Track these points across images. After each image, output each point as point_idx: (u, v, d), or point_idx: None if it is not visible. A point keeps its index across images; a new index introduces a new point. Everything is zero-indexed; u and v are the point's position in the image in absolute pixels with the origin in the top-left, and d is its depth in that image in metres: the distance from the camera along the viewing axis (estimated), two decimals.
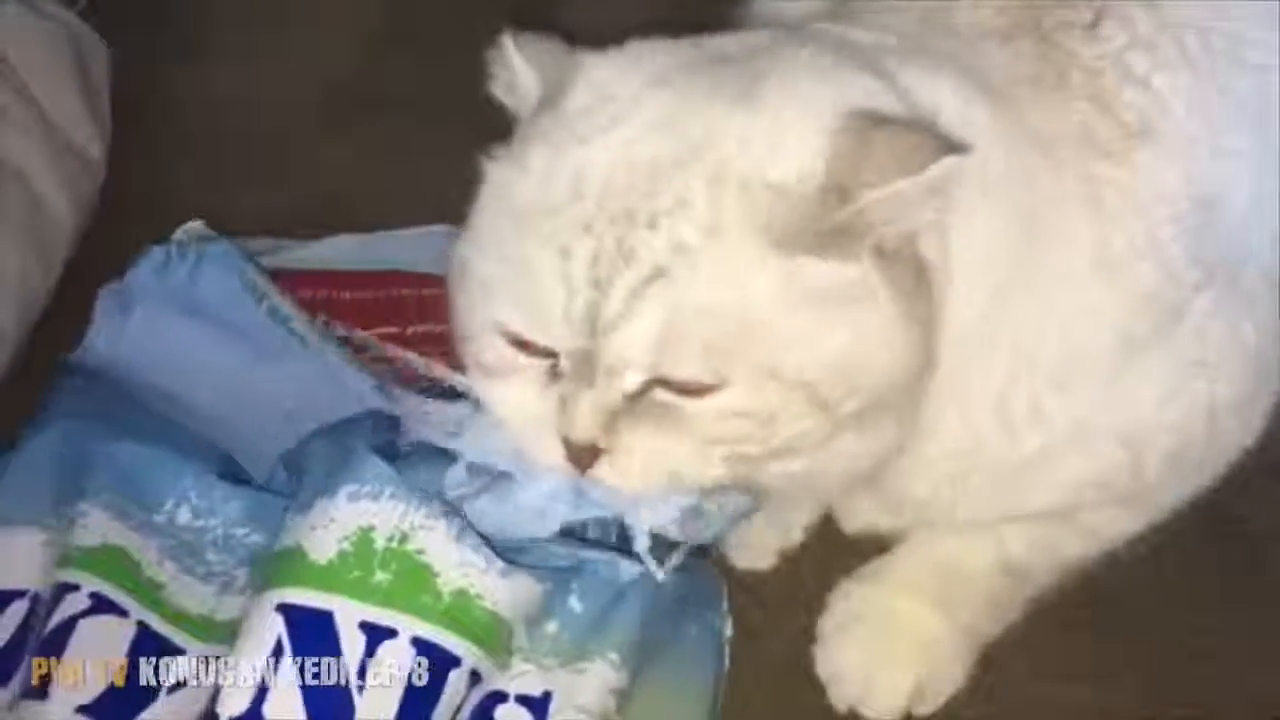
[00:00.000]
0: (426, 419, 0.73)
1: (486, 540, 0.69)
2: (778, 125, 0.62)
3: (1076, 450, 0.72)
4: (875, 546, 0.85)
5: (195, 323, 0.88)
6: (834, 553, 0.88)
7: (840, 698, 0.83)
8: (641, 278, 0.60)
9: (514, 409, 0.66)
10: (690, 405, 0.62)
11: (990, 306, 0.66)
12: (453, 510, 0.70)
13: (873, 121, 0.62)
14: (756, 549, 0.90)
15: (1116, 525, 0.80)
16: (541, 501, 0.69)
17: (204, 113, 1.24)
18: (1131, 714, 0.83)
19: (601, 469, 0.64)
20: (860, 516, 0.82)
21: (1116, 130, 0.69)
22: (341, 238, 1.09)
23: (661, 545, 0.72)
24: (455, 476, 0.71)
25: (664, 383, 0.62)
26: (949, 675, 0.83)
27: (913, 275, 0.63)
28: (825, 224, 0.60)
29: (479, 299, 0.65)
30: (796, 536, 0.91)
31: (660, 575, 0.71)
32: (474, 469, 0.71)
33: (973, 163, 0.62)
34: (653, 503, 0.68)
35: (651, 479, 0.65)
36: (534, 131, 0.65)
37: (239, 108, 1.23)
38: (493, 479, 0.70)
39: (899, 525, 0.81)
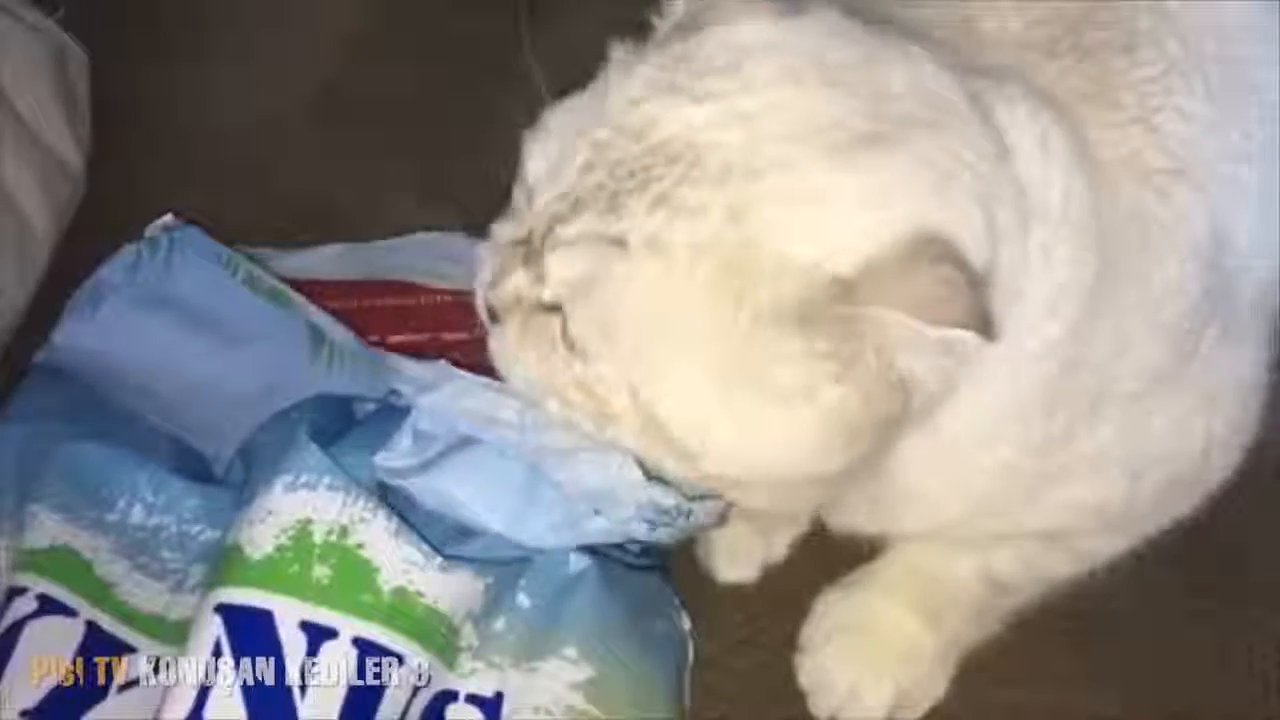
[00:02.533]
0: (399, 372, 0.74)
1: (423, 535, 0.68)
2: (847, 208, 0.58)
3: (1084, 476, 0.70)
4: (860, 555, 0.84)
5: (165, 315, 0.86)
6: (819, 561, 0.87)
7: (822, 706, 0.82)
8: (602, 232, 0.59)
9: (493, 237, 0.67)
10: (561, 350, 0.63)
11: (1070, 338, 0.64)
12: (389, 505, 0.68)
13: (936, 255, 0.56)
14: (741, 561, 0.89)
15: (1101, 547, 0.79)
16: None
17: (187, 116, 1.24)
18: (1115, 719, 0.82)
19: (493, 336, 0.67)
20: (847, 516, 0.78)
21: (1165, 161, 0.67)
22: (324, 247, 1.08)
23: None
24: (400, 445, 0.70)
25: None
26: (931, 683, 0.82)
27: (887, 407, 0.59)
28: (811, 307, 0.57)
29: (532, 138, 0.65)
30: (781, 551, 0.90)
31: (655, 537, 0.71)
32: (421, 436, 0.70)
33: (1056, 200, 0.62)
34: (614, 504, 0.68)
35: (511, 375, 0.67)
36: (653, 59, 0.63)
37: (223, 111, 1.23)
38: (439, 453, 0.70)
39: (888, 531, 0.79)
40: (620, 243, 0.59)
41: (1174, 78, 0.69)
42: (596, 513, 0.70)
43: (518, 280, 0.64)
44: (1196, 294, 0.68)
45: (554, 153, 0.63)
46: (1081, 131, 0.66)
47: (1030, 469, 0.68)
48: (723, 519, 0.77)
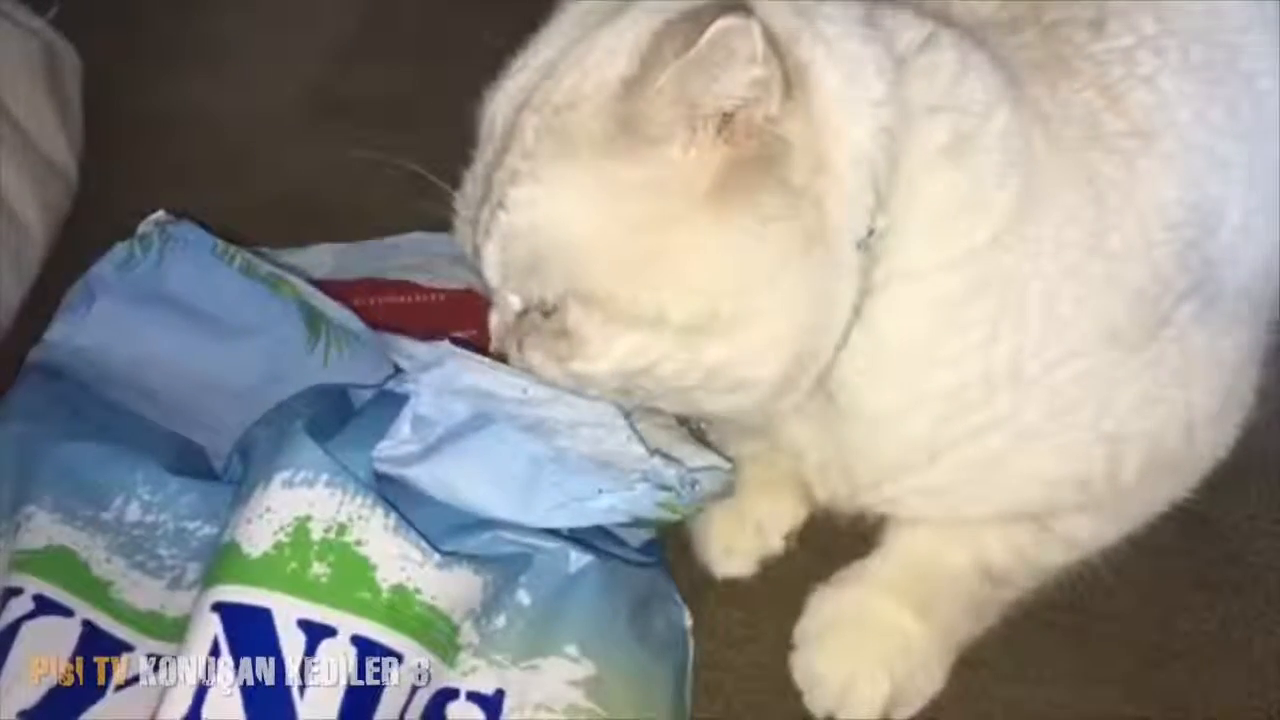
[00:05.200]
0: (401, 351, 0.75)
1: (422, 533, 0.68)
2: (609, 43, 0.65)
3: (1052, 439, 0.71)
4: (858, 552, 0.84)
5: (160, 310, 0.86)
6: (818, 558, 0.86)
7: (817, 704, 0.81)
8: (490, 210, 0.67)
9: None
10: (552, 331, 0.68)
11: (988, 248, 0.67)
12: (387, 502, 0.68)
13: (685, 15, 0.63)
14: (737, 557, 0.89)
15: (1093, 534, 0.79)
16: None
17: (182, 115, 1.24)
18: (1112, 714, 0.81)
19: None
20: (829, 485, 0.80)
21: (1124, 125, 0.69)
22: (322, 247, 1.09)
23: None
24: (400, 433, 0.70)
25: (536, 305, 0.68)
26: (927, 678, 0.81)
27: (776, 194, 0.64)
28: (622, 116, 0.63)
29: None
30: (777, 545, 0.89)
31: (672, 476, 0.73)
32: (420, 422, 0.70)
33: (977, 104, 0.66)
34: (618, 476, 0.70)
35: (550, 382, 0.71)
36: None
37: (220, 111, 1.23)
38: (439, 438, 0.70)
39: (866, 497, 0.79)
40: (500, 204, 0.66)
41: (1143, 52, 0.71)
42: (601, 492, 0.70)
43: (495, 322, 0.72)
44: (1164, 262, 0.69)
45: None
46: (1025, 89, 0.69)
47: (979, 401, 0.70)
48: (728, 489, 0.78)
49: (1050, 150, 0.68)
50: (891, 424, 0.72)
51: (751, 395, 0.68)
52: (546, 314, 0.68)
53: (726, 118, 0.63)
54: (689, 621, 0.80)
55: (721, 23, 0.60)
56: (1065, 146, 0.68)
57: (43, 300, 1.02)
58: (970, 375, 0.69)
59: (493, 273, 0.69)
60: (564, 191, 0.65)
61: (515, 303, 0.70)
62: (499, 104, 0.69)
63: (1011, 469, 0.73)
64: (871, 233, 0.66)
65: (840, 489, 0.78)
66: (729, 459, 0.80)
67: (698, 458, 0.77)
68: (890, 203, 0.66)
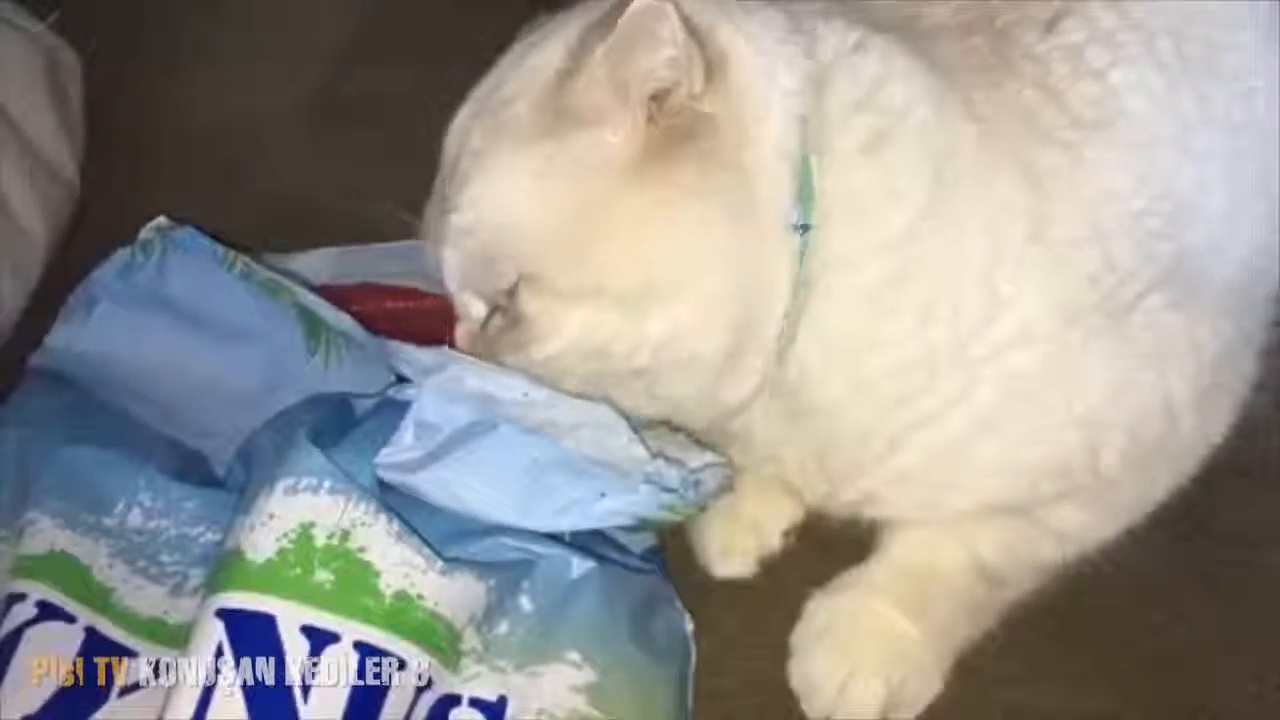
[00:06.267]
0: (402, 358, 0.76)
1: (425, 539, 0.68)
2: (551, 45, 0.70)
3: (1018, 424, 0.72)
4: (858, 557, 0.84)
5: (161, 316, 0.86)
6: (818, 563, 0.86)
7: (814, 709, 0.81)
8: (444, 215, 0.71)
9: None
10: (505, 315, 0.72)
11: (907, 237, 0.70)
12: (390, 508, 0.68)
13: (611, 10, 0.67)
14: (736, 557, 0.89)
15: (1084, 527, 0.79)
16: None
17: (183, 118, 1.24)
18: (1112, 717, 0.81)
19: None
20: (811, 485, 0.81)
21: (1064, 119, 0.70)
22: (321, 251, 1.08)
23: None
24: (403, 439, 0.71)
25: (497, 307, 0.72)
26: (925, 682, 0.81)
27: (693, 165, 0.67)
28: (557, 103, 0.67)
29: None
30: (775, 543, 0.90)
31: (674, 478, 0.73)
32: (423, 428, 0.71)
33: (898, 100, 0.69)
34: (620, 478, 0.71)
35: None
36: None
37: (221, 114, 1.23)
38: (441, 444, 0.71)
39: (852, 499, 0.79)
40: (453, 207, 0.70)
41: (1095, 47, 0.72)
42: (604, 495, 0.71)
43: (462, 330, 0.75)
44: (1122, 252, 0.70)
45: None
46: (960, 90, 0.71)
47: (924, 384, 0.71)
48: (730, 484, 0.79)
49: (982, 146, 0.70)
50: (844, 414, 0.74)
51: (701, 372, 0.70)
52: (504, 307, 0.71)
53: (655, 100, 0.67)
54: (690, 627, 0.80)
55: (637, 4, 0.64)
56: (1000, 143, 0.70)
57: (44, 305, 1.02)
58: (907, 359, 0.71)
59: (452, 278, 0.72)
60: (506, 180, 0.69)
61: (479, 306, 0.73)
62: (453, 129, 0.74)
63: (982, 457, 0.73)
64: (807, 228, 0.69)
65: (820, 487, 0.79)
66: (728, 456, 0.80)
67: (698, 458, 0.77)
68: (818, 200, 0.69)
